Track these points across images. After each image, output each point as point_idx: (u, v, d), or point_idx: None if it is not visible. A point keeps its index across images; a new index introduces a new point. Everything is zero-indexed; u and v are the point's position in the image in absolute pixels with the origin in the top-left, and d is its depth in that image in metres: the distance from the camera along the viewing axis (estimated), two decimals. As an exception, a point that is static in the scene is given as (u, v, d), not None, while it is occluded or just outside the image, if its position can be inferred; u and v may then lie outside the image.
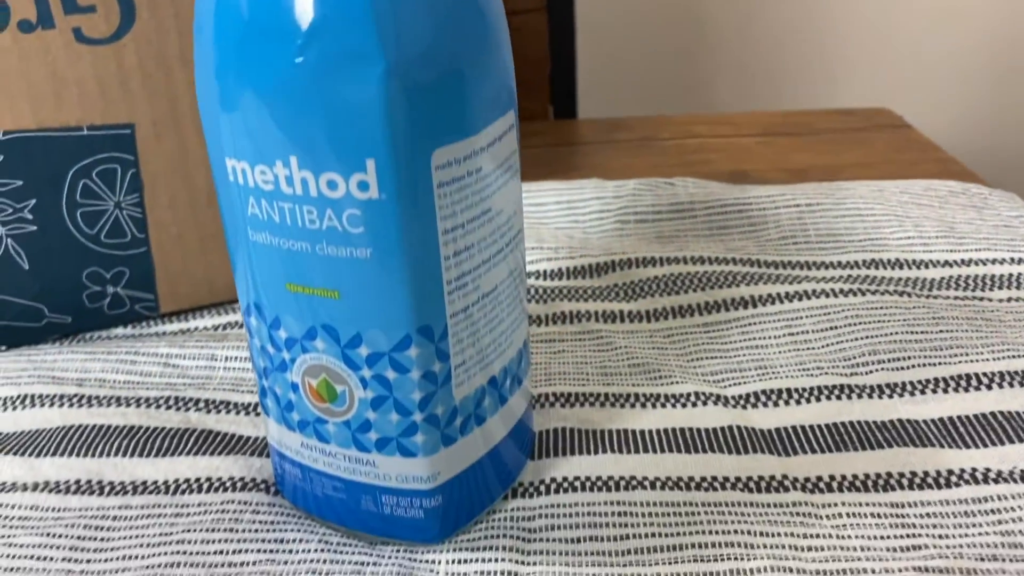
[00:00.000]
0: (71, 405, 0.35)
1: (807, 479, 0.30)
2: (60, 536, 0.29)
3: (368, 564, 0.28)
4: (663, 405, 0.34)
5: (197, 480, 0.31)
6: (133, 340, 0.40)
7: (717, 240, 0.46)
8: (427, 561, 0.28)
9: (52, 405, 0.35)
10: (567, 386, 0.35)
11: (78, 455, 0.32)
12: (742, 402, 0.34)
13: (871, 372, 0.35)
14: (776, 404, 0.34)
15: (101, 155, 0.38)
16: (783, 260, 0.43)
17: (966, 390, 0.34)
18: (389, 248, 0.24)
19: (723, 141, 0.65)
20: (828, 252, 0.44)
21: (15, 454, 0.33)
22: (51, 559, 0.28)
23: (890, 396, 0.34)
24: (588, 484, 0.30)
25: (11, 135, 0.37)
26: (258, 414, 0.35)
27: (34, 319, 0.40)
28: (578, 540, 0.28)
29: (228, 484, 0.31)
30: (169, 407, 0.35)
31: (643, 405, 0.34)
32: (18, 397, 0.36)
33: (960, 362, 0.35)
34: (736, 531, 0.28)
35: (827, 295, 0.39)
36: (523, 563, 0.27)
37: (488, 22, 0.24)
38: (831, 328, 0.38)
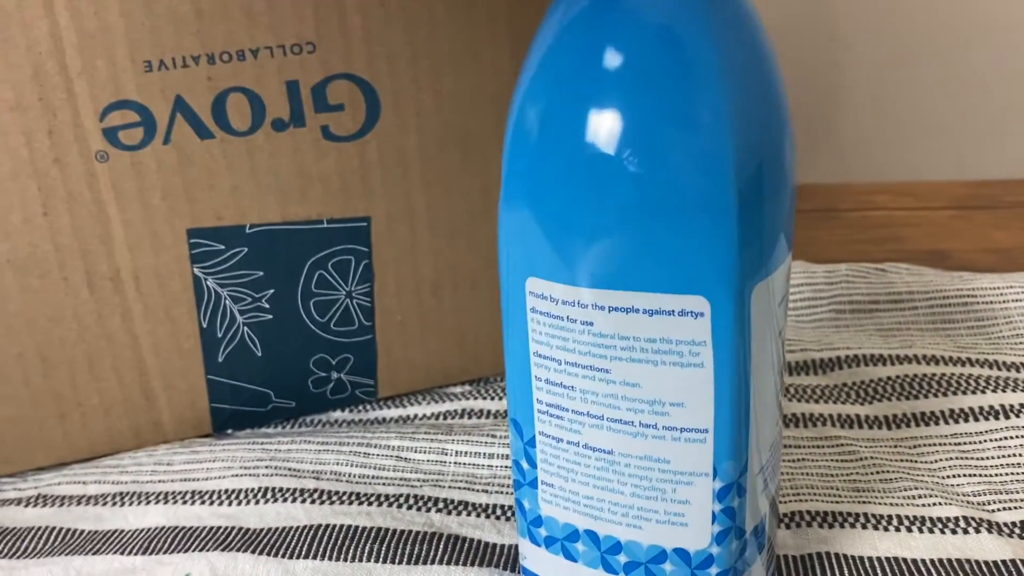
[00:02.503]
0: (312, 501, 0.35)
1: (1114, 629, 0.28)
2: (330, 651, 0.29)
3: None
4: (930, 530, 0.32)
5: (454, 593, 0.31)
6: (361, 429, 0.40)
7: (943, 335, 0.44)
8: None
9: (295, 501, 0.35)
10: (819, 503, 0.34)
11: (330, 558, 0.32)
12: (1018, 531, 0.32)
13: None
14: (1057, 535, 0.32)
15: (338, 247, 0.39)
16: (1023, 362, 0.41)
17: None
18: None
19: (911, 214, 0.62)
20: (1071, 354, 0.41)
21: (268, 554, 0.33)
22: (327, 677, 0.28)
23: None
24: (869, 622, 0.29)
25: (256, 228, 0.38)
26: (498, 518, 0.34)
27: (261, 404, 0.41)
28: None
29: (487, 600, 0.31)
30: (410, 507, 0.35)
31: (908, 529, 0.32)
32: (259, 490, 0.36)
33: None
34: None
35: (1087, 407, 0.37)
36: None
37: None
38: (1100, 447, 0.35)
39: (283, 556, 0.33)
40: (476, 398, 0.42)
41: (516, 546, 0.33)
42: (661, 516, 0.24)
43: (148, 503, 0.36)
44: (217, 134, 0.36)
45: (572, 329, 0.23)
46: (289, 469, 0.37)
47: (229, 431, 0.41)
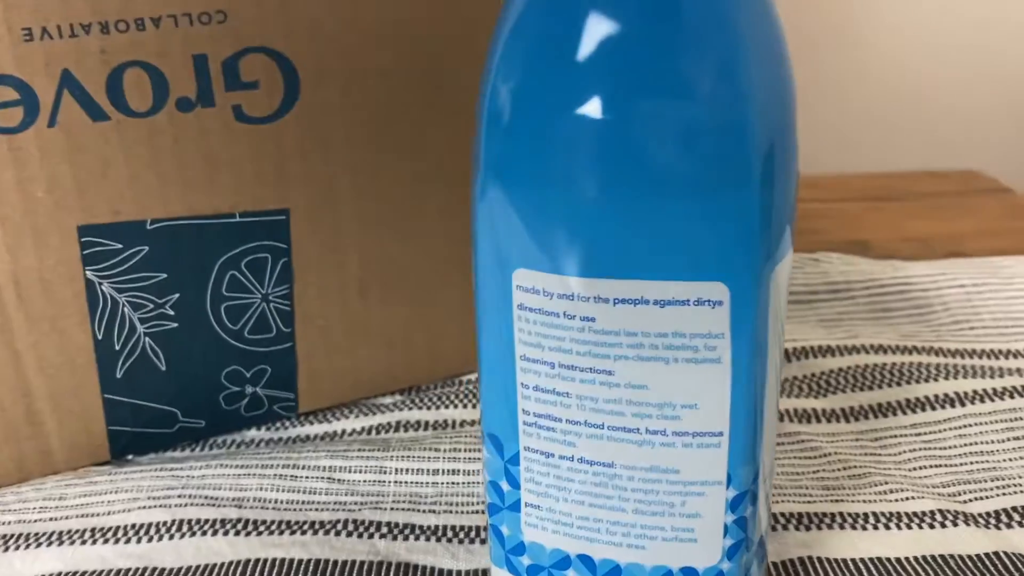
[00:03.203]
0: (237, 533, 0.31)
1: (1109, 621, 0.27)
2: None
3: None
4: (907, 526, 0.31)
5: (412, 629, 0.27)
6: (284, 449, 0.36)
7: (885, 324, 0.43)
8: None
9: (216, 533, 0.31)
10: (792, 504, 0.32)
11: (264, 598, 0.28)
12: (993, 521, 0.31)
13: (1125, 485, 0.32)
14: (1034, 525, 0.31)
15: (252, 243, 0.35)
16: (968, 348, 0.40)
17: None
18: None
19: (825, 207, 0.62)
20: (1011, 338, 0.41)
21: (190, 598, 0.28)
22: None
23: None
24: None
25: (158, 223, 0.33)
26: (450, 540, 0.31)
27: (167, 425, 0.36)
28: None
29: (449, 634, 0.27)
30: (350, 533, 0.31)
31: (886, 527, 0.31)
32: (172, 523, 0.31)
33: None
34: None
35: (1040, 392, 0.36)
36: None
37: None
38: (1059, 431, 0.35)
39: (208, 599, 0.28)
40: (411, 408, 0.38)
41: (474, 571, 0.29)
42: (668, 533, 0.22)
43: (39, 545, 0.31)
44: (112, 115, 0.31)
45: (569, 327, 0.20)
46: (205, 497, 0.33)
47: (130, 457, 0.36)
